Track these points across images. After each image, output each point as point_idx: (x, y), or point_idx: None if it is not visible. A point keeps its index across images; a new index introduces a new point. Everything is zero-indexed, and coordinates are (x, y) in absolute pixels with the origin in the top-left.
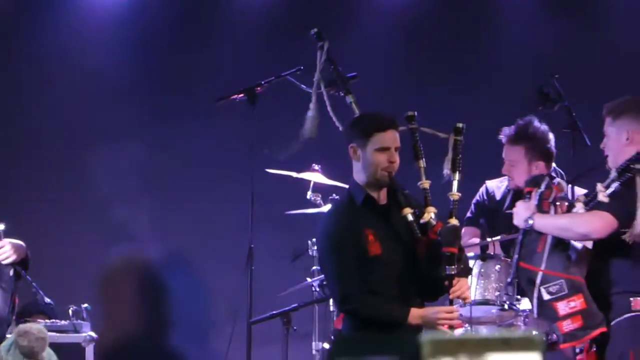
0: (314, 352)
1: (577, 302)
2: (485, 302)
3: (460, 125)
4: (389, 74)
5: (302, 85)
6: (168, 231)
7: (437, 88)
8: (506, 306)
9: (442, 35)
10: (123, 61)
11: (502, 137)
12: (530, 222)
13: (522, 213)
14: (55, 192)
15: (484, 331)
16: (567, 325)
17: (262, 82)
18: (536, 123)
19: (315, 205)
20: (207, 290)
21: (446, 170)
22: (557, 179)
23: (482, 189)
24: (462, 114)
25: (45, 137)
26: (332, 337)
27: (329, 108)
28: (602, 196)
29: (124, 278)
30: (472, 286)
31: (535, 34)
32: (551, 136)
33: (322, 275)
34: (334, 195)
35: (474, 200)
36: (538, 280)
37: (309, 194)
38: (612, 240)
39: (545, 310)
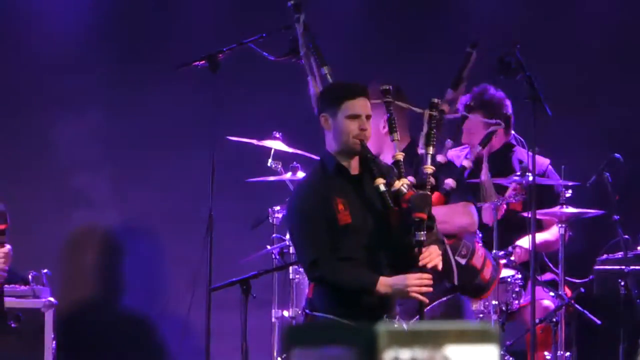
0: (273, 319)
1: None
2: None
3: (436, 100)
4: (352, 45)
5: (264, 53)
6: (128, 197)
7: (399, 58)
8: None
9: (404, 5)
10: (82, 26)
11: (459, 106)
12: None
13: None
14: (14, 159)
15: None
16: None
17: (224, 49)
18: (491, 90)
19: (275, 173)
20: (167, 257)
21: (421, 148)
22: None
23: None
24: (423, 83)
25: (3, 103)
26: (305, 306)
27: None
28: None
29: (84, 244)
30: None
31: (496, 3)
32: (508, 102)
33: (282, 243)
34: (294, 163)
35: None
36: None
37: (270, 162)
38: None
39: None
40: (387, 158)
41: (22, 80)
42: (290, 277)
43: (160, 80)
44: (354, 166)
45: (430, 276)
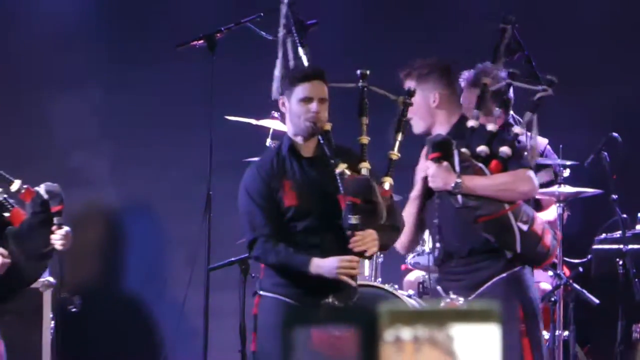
0: None
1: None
2: None
3: (413, 88)
4: (347, 22)
5: (262, 32)
6: (126, 177)
7: (397, 36)
8: None
9: None
10: (81, 4)
11: (461, 81)
12: (459, 181)
13: (442, 175)
14: (12, 138)
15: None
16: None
17: (222, 29)
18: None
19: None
20: (165, 237)
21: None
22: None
23: None
24: None
25: (2, 81)
26: (257, 286)
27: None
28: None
29: (82, 224)
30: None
31: None
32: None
33: None
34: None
35: None
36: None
37: (268, 141)
38: None
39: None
40: (438, 131)
41: (21, 59)
42: None
43: (159, 59)
44: (309, 148)
45: (358, 259)
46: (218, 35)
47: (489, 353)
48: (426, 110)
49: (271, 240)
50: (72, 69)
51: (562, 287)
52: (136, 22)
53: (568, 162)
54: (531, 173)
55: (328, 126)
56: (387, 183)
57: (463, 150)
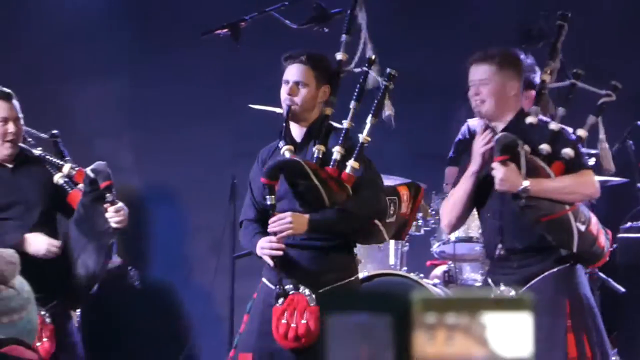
0: None
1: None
2: (468, 240)
3: (393, 72)
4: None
5: (287, 21)
6: (151, 166)
7: (418, 23)
8: None
9: None
10: None
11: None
12: (526, 185)
13: (511, 179)
14: (38, 129)
15: (467, 268)
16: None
17: (246, 17)
18: (522, 56)
19: None
20: (191, 225)
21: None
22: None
23: (464, 128)
24: (445, 50)
25: (26, 72)
26: None
27: None
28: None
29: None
30: None
31: None
32: (537, 69)
33: None
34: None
35: (455, 140)
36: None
37: None
38: None
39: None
40: (501, 121)
41: (46, 49)
42: None
43: (183, 48)
44: (300, 132)
45: (274, 238)
46: (242, 24)
47: (521, 342)
48: (502, 97)
49: (248, 224)
50: (97, 59)
51: (587, 275)
52: (160, 11)
53: (593, 151)
54: (593, 175)
55: (328, 111)
56: (350, 167)
57: (526, 148)
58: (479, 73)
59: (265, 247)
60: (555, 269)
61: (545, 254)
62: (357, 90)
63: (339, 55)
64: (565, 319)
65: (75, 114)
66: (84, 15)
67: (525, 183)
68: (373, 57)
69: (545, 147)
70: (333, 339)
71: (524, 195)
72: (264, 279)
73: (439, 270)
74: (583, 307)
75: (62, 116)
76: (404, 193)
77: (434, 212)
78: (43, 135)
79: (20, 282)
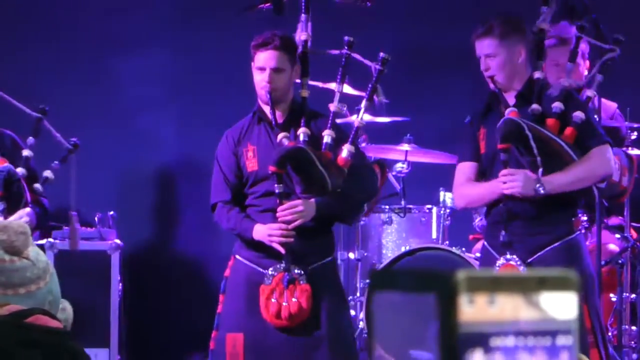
0: (339, 261)
1: None
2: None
3: (387, 56)
4: None
5: None
6: (194, 138)
7: None
8: None
9: None
10: None
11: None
12: (541, 190)
13: (522, 184)
14: (81, 100)
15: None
16: None
17: None
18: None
19: (341, 115)
20: None
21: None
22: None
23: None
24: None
25: (70, 45)
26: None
27: None
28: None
29: (149, 185)
30: None
31: None
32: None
33: None
34: (359, 105)
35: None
36: None
37: (334, 105)
38: None
39: None
40: (515, 87)
41: (89, 23)
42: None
43: (225, 22)
44: (277, 115)
45: (285, 226)
46: None
47: (569, 320)
48: (511, 66)
49: (227, 206)
50: (139, 31)
51: (629, 249)
52: None
53: (635, 125)
54: (607, 151)
55: (305, 93)
56: (346, 150)
57: (534, 125)
58: (484, 48)
59: (276, 235)
60: (562, 241)
61: (554, 223)
62: (339, 73)
63: (303, 35)
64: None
65: (117, 86)
66: None
67: (538, 185)
68: (353, 39)
69: (558, 105)
70: (378, 316)
71: (540, 194)
72: (239, 257)
73: (481, 244)
74: (586, 278)
75: (105, 88)
76: (378, 171)
77: None
78: (31, 112)
79: (35, 252)
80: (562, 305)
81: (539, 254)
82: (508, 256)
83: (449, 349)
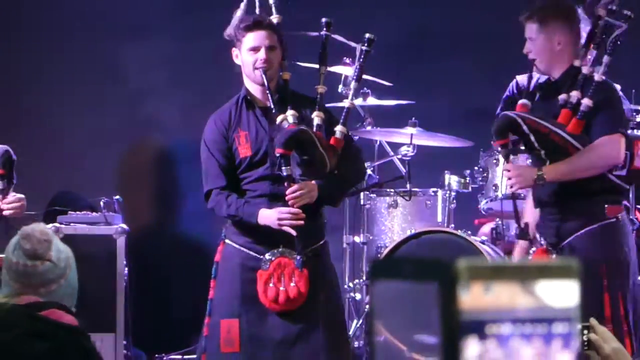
0: (344, 245)
1: None
2: (516, 197)
3: (372, 36)
4: None
5: None
6: (197, 123)
7: None
8: None
9: None
10: None
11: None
12: (540, 174)
13: (521, 176)
14: (85, 86)
15: (514, 225)
16: None
17: None
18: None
19: (346, 98)
20: None
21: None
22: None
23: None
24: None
25: (73, 31)
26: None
27: None
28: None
29: (153, 170)
30: (503, 180)
31: None
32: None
33: None
34: (365, 89)
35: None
36: None
37: (340, 88)
38: None
39: None
40: (555, 74)
41: (92, 8)
42: (362, 203)
43: (229, 6)
44: (265, 99)
45: (299, 211)
46: None
47: (568, 291)
48: (549, 53)
49: (224, 193)
50: (143, 16)
51: (634, 232)
52: None
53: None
54: (616, 141)
55: (287, 75)
56: (339, 132)
57: (532, 118)
58: (527, 31)
59: (286, 219)
60: (594, 226)
61: (585, 208)
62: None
63: (275, 19)
64: (601, 279)
65: (122, 71)
66: None
67: (539, 173)
68: (331, 20)
69: (576, 94)
70: (380, 305)
71: (540, 183)
72: (230, 242)
73: (486, 228)
74: (622, 264)
75: (109, 73)
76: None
77: (481, 169)
78: None
79: (57, 252)
80: (561, 293)
81: (568, 239)
82: (542, 242)
83: (449, 336)
